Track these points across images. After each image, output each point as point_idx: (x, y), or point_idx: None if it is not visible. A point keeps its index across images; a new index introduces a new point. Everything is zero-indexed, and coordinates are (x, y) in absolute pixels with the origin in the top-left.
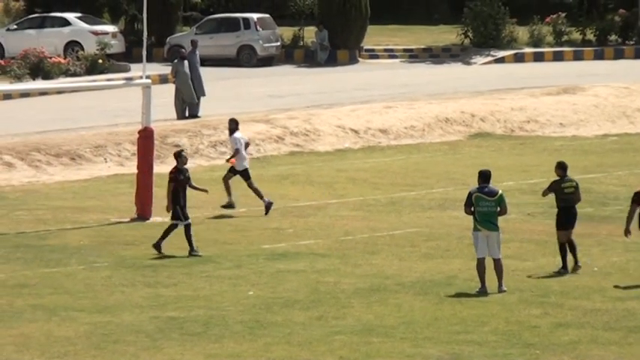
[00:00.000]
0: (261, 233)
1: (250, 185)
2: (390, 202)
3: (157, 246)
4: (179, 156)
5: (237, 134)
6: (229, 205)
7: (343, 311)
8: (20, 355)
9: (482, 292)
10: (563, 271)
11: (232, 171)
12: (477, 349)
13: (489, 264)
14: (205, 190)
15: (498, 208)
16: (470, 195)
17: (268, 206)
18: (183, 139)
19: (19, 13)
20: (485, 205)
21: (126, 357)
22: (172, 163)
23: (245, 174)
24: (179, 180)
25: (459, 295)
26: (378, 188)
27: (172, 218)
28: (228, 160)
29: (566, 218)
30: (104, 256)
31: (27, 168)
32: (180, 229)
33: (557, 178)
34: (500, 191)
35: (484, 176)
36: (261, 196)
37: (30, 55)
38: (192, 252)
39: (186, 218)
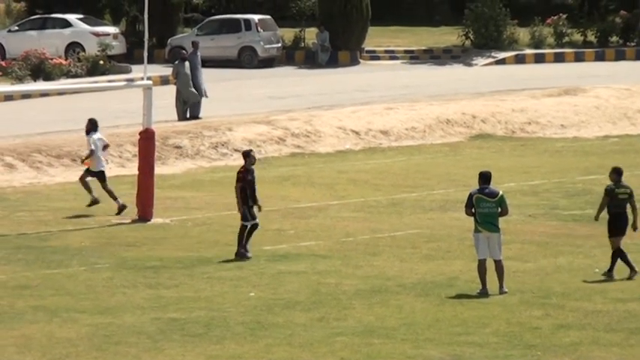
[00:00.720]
0: (262, 234)
1: (105, 187)
2: (391, 203)
3: (240, 254)
4: (247, 155)
5: (95, 135)
6: (94, 202)
7: (344, 312)
8: (22, 357)
9: (484, 293)
10: (609, 275)
11: (88, 172)
12: (478, 350)
13: (490, 265)
14: (259, 206)
15: (499, 210)
16: (470, 196)
17: (122, 208)
18: (184, 140)
19: (21, 14)
20: (485, 207)
21: (127, 358)
22: (173, 165)
23: (101, 176)
24: (247, 180)
25: (460, 296)
26: (379, 189)
27: (243, 219)
28: (82, 162)
29: (618, 224)
30: (105, 257)
31: (28, 169)
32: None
33: (611, 183)
34: (500, 192)
35: (484, 177)
36: (115, 198)
37: (31, 57)
38: (239, 252)
39: (253, 218)
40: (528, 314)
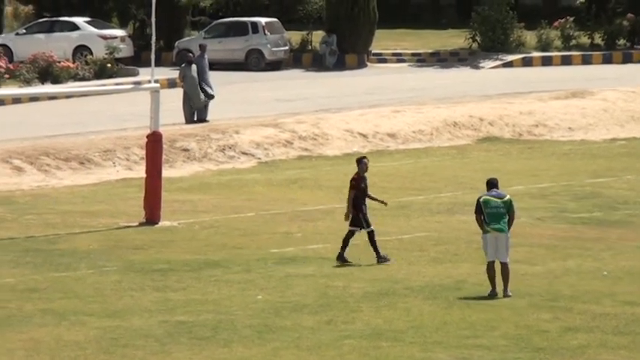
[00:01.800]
0: (270, 237)
1: None
2: (399, 206)
3: (341, 257)
4: (360, 162)
5: None
6: None
7: (352, 315)
8: (31, 359)
9: (493, 294)
10: None
11: None
12: (486, 353)
13: (499, 267)
14: (384, 202)
15: (507, 213)
16: (478, 201)
17: None
18: (191, 143)
19: (28, 17)
20: (493, 207)
21: None
22: (181, 167)
23: None
24: (360, 187)
25: (468, 299)
26: (386, 192)
27: (351, 225)
28: None
29: None
30: (113, 260)
31: (36, 172)
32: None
33: None
34: (508, 196)
35: (491, 185)
36: None
37: (39, 60)
38: (380, 259)
39: (369, 225)
40: (536, 317)
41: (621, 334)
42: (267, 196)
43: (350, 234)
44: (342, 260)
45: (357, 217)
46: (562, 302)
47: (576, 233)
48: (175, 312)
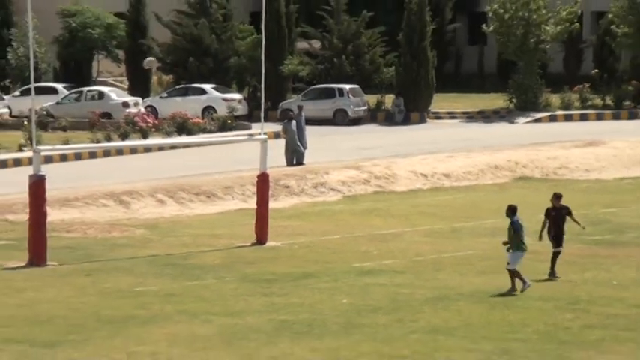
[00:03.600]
0: (353, 254)
1: None
2: (452, 230)
3: (552, 274)
4: (557, 198)
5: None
6: None
7: (416, 315)
8: (171, 349)
9: (527, 285)
10: None
11: None
12: (522, 345)
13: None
14: (582, 227)
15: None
16: (517, 222)
17: None
18: (291, 181)
19: (169, 84)
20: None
21: (249, 350)
22: (283, 200)
23: None
24: (551, 216)
25: (506, 302)
26: (443, 220)
27: (554, 247)
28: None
29: None
30: (232, 272)
31: (174, 204)
32: None
33: None
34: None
35: (512, 210)
36: None
37: (177, 117)
38: (551, 275)
39: (556, 246)
40: (561, 317)
41: (630, 330)
42: (350, 223)
43: (556, 254)
44: (552, 276)
45: (556, 238)
46: (581, 305)
47: (591, 251)
48: (279, 312)
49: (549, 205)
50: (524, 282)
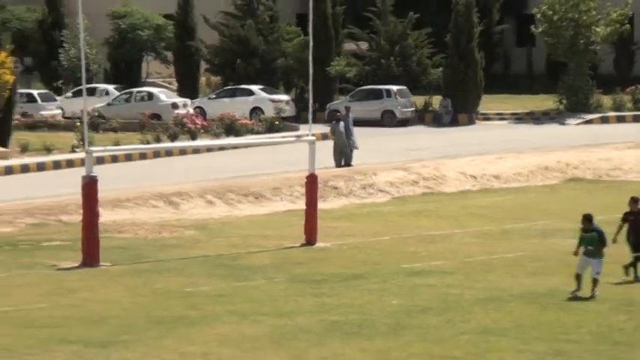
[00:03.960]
0: (402, 255)
1: None
2: (502, 231)
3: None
4: (635, 202)
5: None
6: None
7: (467, 316)
8: (221, 349)
9: (579, 292)
10: None
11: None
12: (575, 346)
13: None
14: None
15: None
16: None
17: None
18: (340, 182)
19: (217, 85)
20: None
21: (299, 351)
22: (332, 201)
23: None
24: (629, 220)
25: (559, 304)
26: (492, 221)
27: (634, 252)
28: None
29: None
30: (281, 273)
31: (223, 205)
32: None
33: None
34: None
35: (588, 218)
36: None
37: (225, 118)
38: (637, 278)
39: (634, 252)
40: (615, 318)
41: None
42: (398, 224)
43: (636, 259)
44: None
45: (637, 243)
46: (635, 307)
47: None
48: (329, 313)
49: (625, 207)
50: (579, 287)
